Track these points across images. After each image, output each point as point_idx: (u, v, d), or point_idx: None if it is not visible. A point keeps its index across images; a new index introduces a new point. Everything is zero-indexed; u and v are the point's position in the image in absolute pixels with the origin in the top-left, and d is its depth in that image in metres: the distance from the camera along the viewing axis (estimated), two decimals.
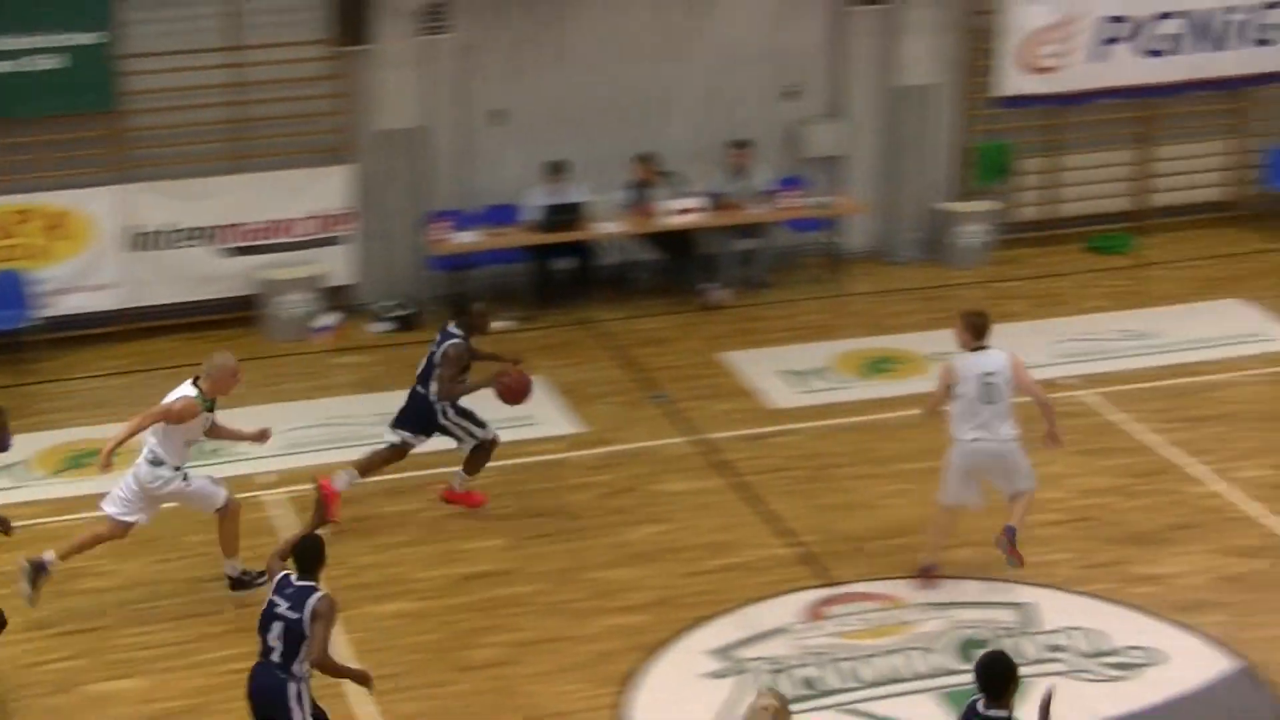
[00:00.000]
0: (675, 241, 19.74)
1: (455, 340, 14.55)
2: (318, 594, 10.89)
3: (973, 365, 13.58)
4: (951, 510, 13.84)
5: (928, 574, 13.93)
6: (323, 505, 14.59)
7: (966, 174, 21.09)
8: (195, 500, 13.65)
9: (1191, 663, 12.98)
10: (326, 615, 10.85)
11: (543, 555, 14.51)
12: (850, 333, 18.87)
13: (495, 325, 16.42)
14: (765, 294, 19.95)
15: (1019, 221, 21.41)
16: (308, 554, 11.03)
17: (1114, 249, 21.15)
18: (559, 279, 19.77)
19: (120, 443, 13.11)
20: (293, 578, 10.99)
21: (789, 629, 13.40)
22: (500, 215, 19.49)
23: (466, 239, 19.07)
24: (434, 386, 14.59)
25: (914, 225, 20.96)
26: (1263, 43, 21.30)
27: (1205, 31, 21.15)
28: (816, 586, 14.00)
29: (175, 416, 13.17)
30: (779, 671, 12.83)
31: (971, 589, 13.84)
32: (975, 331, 13.68)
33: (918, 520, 14.83)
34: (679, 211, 19.41)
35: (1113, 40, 20.90)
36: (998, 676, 9.96)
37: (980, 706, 9.95)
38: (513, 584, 14.09)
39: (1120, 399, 17.25)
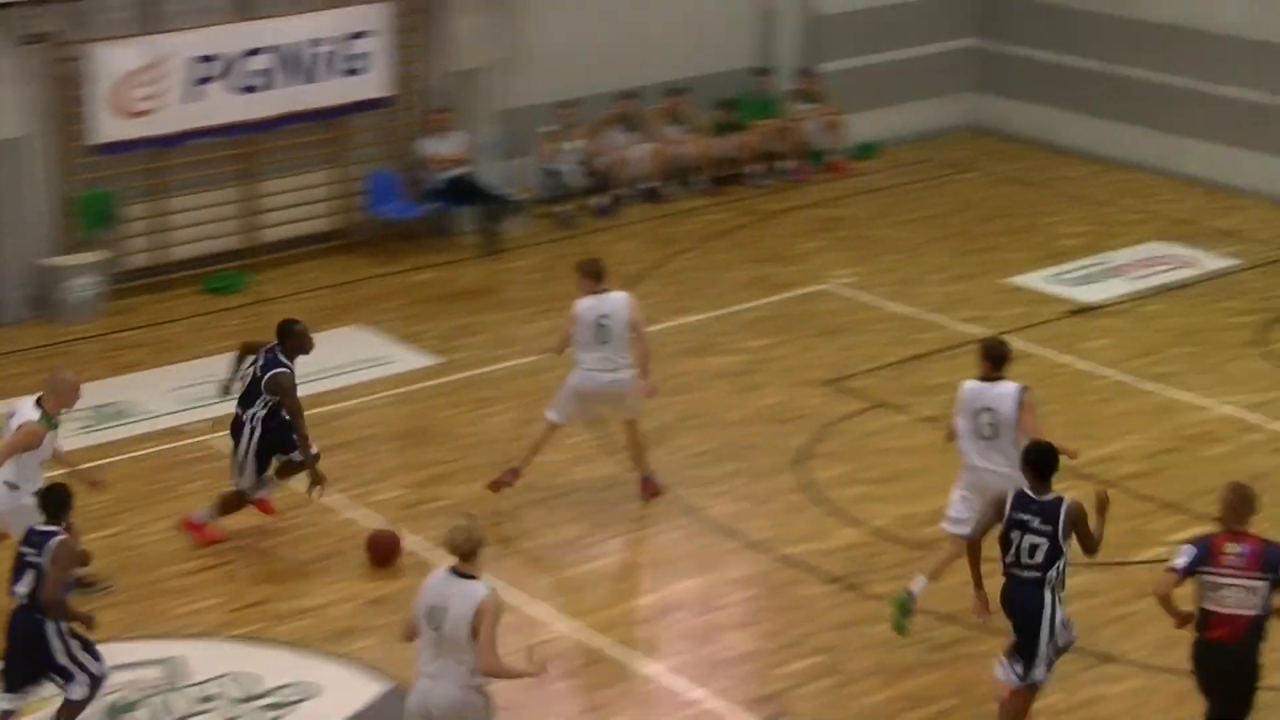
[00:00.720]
0: None
1: (284, 370, 14.82)
2: (57, 537, 11.88)
3: (591, 308, 15.28)
4: (555, 427, 15.68)
5: (509, 476, 15.73)
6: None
7: (70, 226, 20.69)
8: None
9: (344, 691, 13.19)
10: (61, 558, 11.77)
11: None
12: None
13: None
14: None
15: (131, 269, 21.15)
16: (52, 501, 12.10)
17: (229, 288, 21.23)
18: None
19: None
20: (38, 526, 12.01)
21: None
22: None
23: None
24: (258, 409, 14.90)
25: (20, 283, 20.38)
26: (352, 72, 21.87)
27: (296, 65, 21.53)
28: None
29: (24, 444, 13.51)
30: None
31: (115, 651, 13.55)
32: (593, 277, 15.42)
33: None
34: None
35: (206, 79, 20.98)
36: (1044, 460, 11.95)
37: (1030, 491, 11.91)
38: None
39: None
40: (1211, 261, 22.01)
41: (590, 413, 15.97)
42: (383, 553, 14.98)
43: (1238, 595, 11.42)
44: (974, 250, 22.57)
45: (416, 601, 10.90)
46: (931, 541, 15.10)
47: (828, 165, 25.42)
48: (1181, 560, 11.52)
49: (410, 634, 11.05)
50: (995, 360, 13.74)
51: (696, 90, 24.60)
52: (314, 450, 14.99)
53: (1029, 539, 11.89)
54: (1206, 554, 11.49)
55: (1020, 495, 12.00)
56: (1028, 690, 12.08)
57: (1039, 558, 11.88)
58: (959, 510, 13.68)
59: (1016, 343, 18.83)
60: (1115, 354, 19.19)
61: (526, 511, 15.89)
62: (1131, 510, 15.24)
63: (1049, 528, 11.86)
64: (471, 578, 10.76)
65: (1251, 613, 11.45)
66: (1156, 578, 11.76)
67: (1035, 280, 21.45)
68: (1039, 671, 12.01)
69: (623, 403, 15.74)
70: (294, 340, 14.99)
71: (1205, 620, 11.58)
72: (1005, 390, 13.58)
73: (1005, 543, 12.02)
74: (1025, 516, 11.91)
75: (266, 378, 14.83)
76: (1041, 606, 11.91)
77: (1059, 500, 11.94)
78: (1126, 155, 25.48)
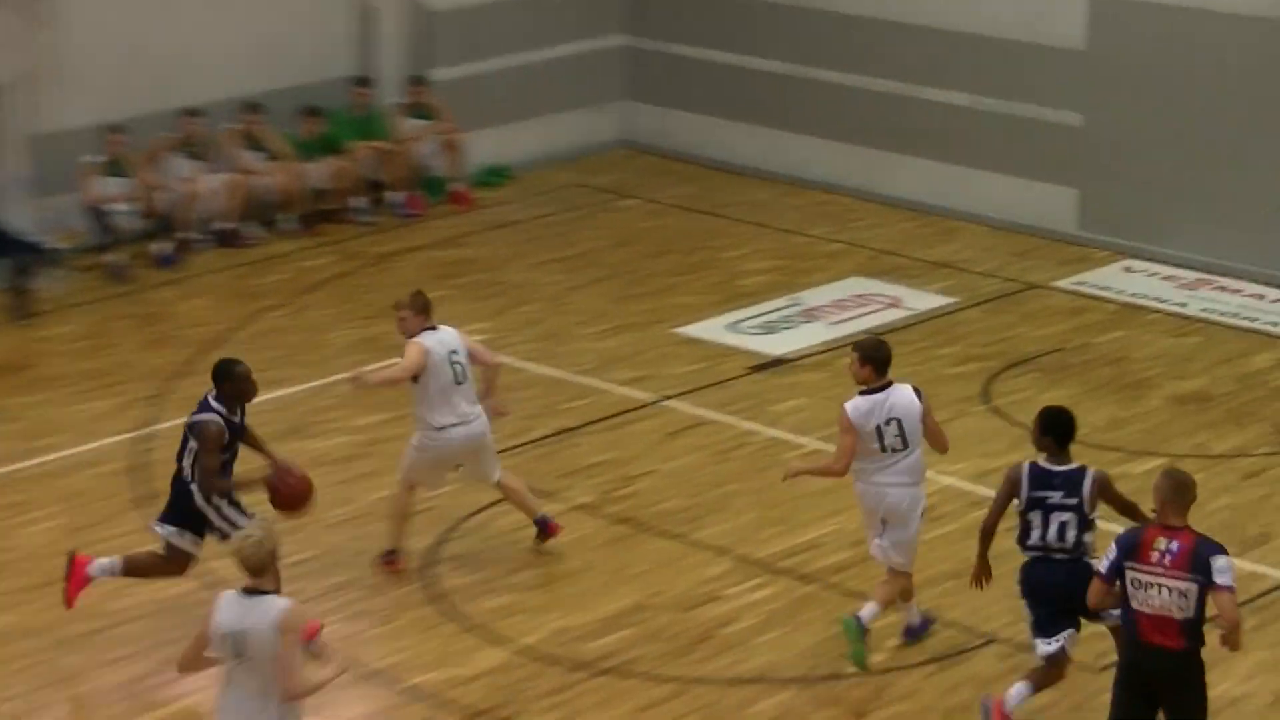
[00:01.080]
0: None
1: (209, 417, 14.77)
2: None
3: (442, 342, 15.77)
4: (412, 491, 16.20)
5: (390, 561, 16.18)
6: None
7: None
8: None
9: None
10: None
11: None
12: None
13: None
14: None
15: None
16: None
17: None
18: None
19: None
20: None
21: None
22: None
23: None
24: (189, 472, 14.87)
25: None
26: None
27: None
28: None
29: None
30: None
31: None
32: (425, 313, 15.85)
33: None
34: None
35: None
36: (1063, 426, 13.14)
37: (1047, 463, 13.11)
38: None
39: None
40: (923, 300, 22.33)
41: (444, 475, 16.48)
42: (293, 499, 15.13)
43: (1164, 597, 11.84)
44: (635, 295, 22.68)
45: (207, 629, 11.41)
46: (596, 660, 14.91)
47: (449, 195, 25.47)
48: (1104, 563, 12.10)
49: (190, 663, 11.70)
50: (880, 363, 14.52)
51: (279, 107, 24.41)
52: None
53: (1056, 517, 13.02)
54: (1134, 548, 11.95)
55: (1037, 469, 13.16)
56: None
57: (1069, 538, 13.01)
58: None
59: (689, 408, 19.80)
60: (811, 418, 19.09)
61: (76, 645, 15.06)
62: (835, 609, 15.12)
63: (1074, 500, 13.02)
64: (266, 593, 11.33)
65: (1182, 616, 11.83)
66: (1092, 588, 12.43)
67: (713, 329, 21.57)
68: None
69: (484, 456, 16.31)
70: (231, 385, 15.05)
71: (1134, 621, 12.00)
72: (906, 393, 14.51)
73: (1025, 525, 13.14)
74: (1045, 493, 13.07)
75: (191, 422, 14.96)
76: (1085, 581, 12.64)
77: (1082, 470, 13.15)
78: (817, 174, 25.97)
